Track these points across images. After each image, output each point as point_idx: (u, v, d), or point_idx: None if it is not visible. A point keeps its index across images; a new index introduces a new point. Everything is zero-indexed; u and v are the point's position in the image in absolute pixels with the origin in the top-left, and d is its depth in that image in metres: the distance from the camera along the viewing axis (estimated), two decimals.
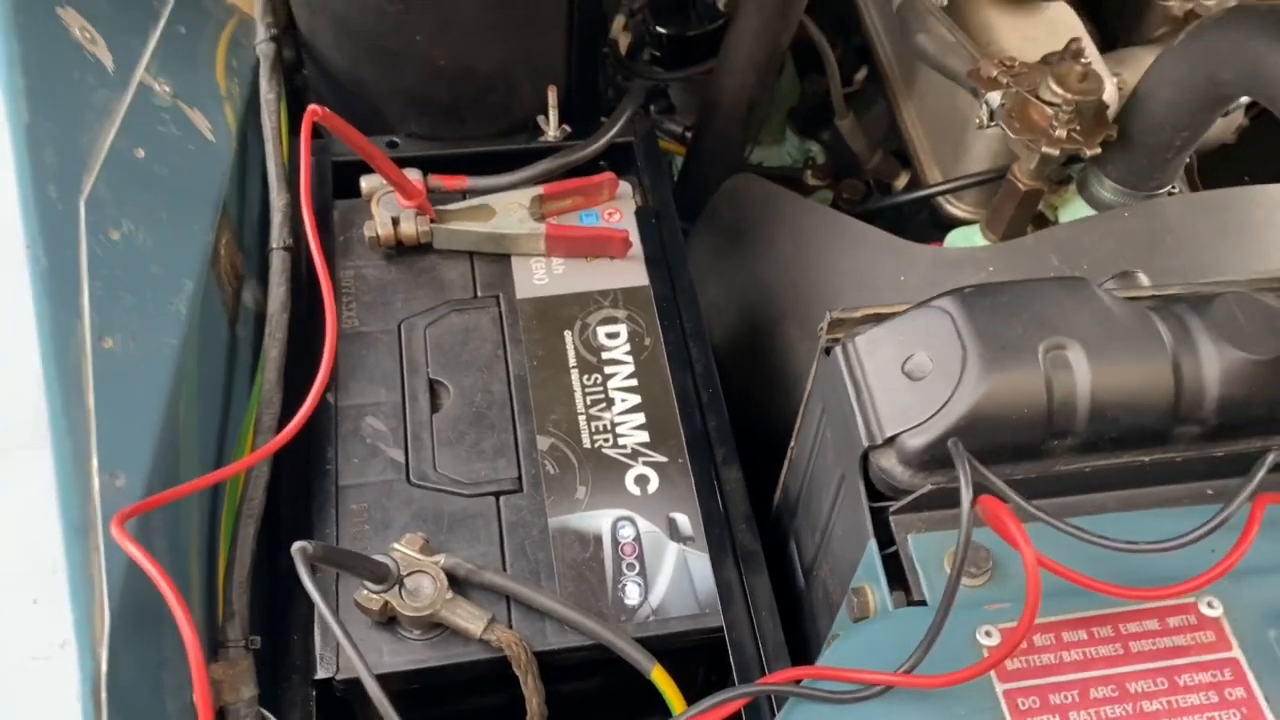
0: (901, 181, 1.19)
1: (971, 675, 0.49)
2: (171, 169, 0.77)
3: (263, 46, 0.92)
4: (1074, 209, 0.97)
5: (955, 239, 1.01)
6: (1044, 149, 0.86)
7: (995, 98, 0.91)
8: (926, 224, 1.11)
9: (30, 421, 0.55)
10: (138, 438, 0.60)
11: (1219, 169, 1.15)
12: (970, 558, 0.55)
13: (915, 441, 0.57)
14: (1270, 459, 0.56)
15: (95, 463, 0.56)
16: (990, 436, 0.56)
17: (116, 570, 0.53)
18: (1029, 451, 0.58)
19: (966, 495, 0.49)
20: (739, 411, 0.90)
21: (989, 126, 0.92)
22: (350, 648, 0.58)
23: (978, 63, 0.92)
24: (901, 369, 0.59)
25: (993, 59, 0.91)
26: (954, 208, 1.07)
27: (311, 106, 0.72)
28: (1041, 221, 0.99)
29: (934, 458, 0.57)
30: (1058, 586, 0.53)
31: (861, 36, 1.24)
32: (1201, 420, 0.58)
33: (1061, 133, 0.85)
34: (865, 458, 0.59)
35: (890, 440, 0.58)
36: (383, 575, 0.66)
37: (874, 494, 0.60)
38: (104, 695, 0.48)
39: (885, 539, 0.58)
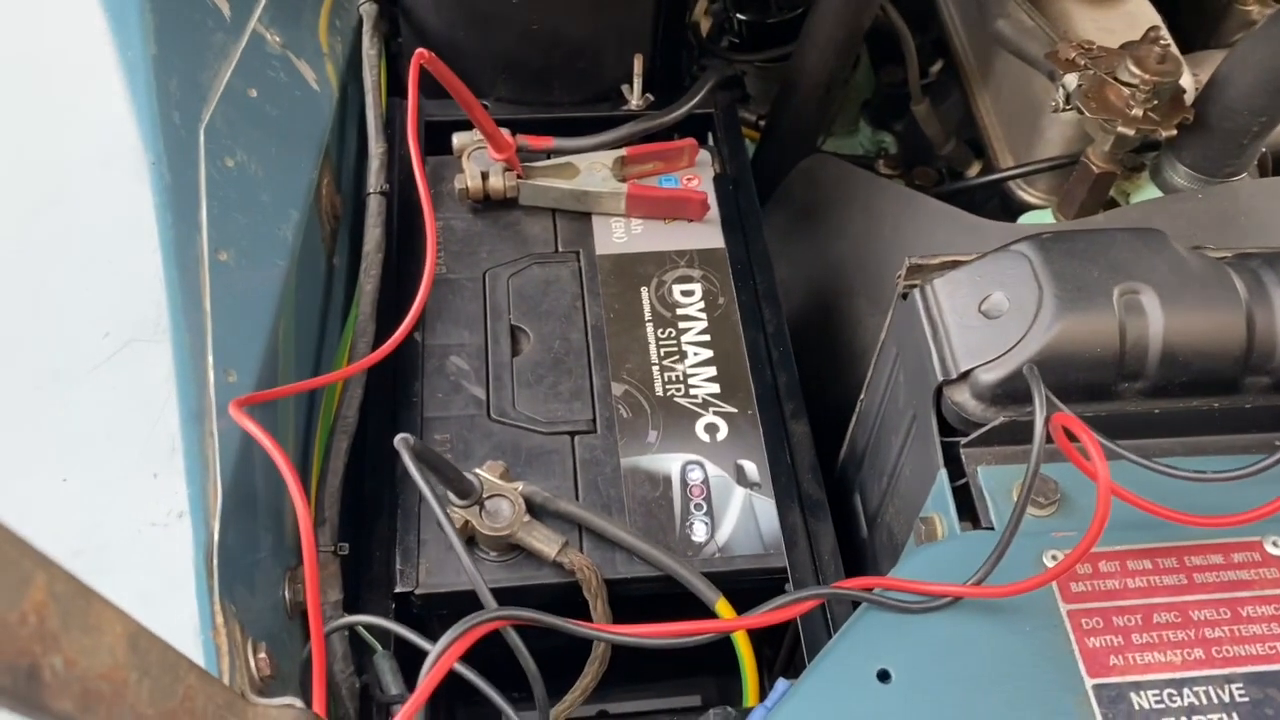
0: (974, 170, 1.21)
1: (1038, 584, 0.51)
2: (280, 110, 0.82)
3: (366, 7, 0.97)
4: (1146, 194, 0.98)
5: (1027, 221, 1.02)
6: (1120, 129, 0.87)
7: (1072, 80, 0.93)
8: (997, 210, 1.13)
9: (153, 317, 0.59)
10: (248, 343, 0.63)
11: None
12: (1039, 488, 0.57)
13: (989, 376, 0.59)
14: None
15: (210, 359, 0.59)
16: (1062, 375, 0.58)
17: (229, 454, 0.56)
18: (1099, 392, 0.59)
19: (1041, 412, 0.51)
20: (804, 390, 0.93)
21: (1065, 109, 0.93)
22: (466, 560, 0.61)
23: (1056, 45, 0.93)
24: (978, 308, 0.61)
25: (1071, 42, 0.93)
26: (1025, 193, 1.08)
27: (419, 50, 0.76)
28: (1112, 206, 1.00)
29: (1006, 392, 0.59)
30: (1124, 519, 0.54)
31: (938, 29, 1.26)
32: (1272, 371, 0.59)
33: (1138, 112, 0.86)
34: (939, 393, 0.61)
35: (965, 375, 0.60)
36: (468, 490, 0.69)
37: (946, 429, 0.61)
38: (215, 561, 0.52)
39: (955, 473, 0.60)
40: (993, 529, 0.57)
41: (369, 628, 0.66)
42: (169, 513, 0.52)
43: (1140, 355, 0.58)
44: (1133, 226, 0.79)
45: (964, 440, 0.60)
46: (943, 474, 0.59)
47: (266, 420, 0.65)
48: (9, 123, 0.68)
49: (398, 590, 0.71)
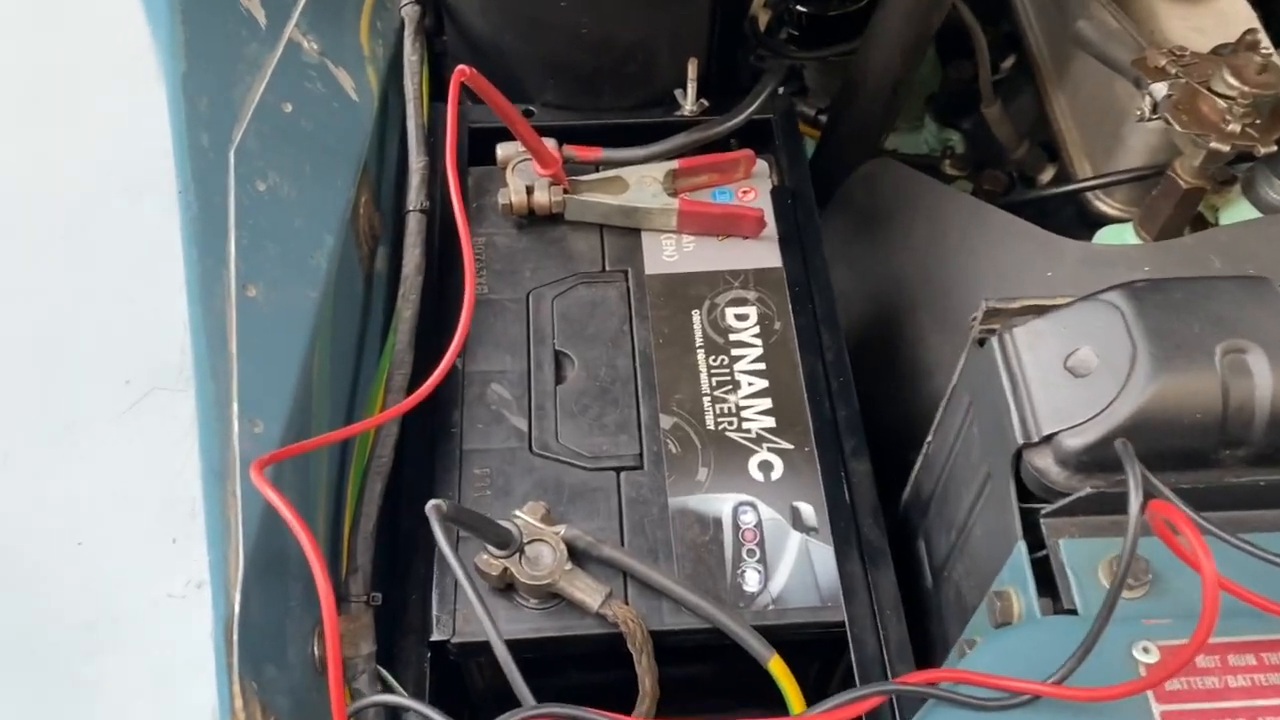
0: (1047, 175, 1.14)
1: (1131, 691, 0.46)
2: (316, 125, 0.78)
3: (408, 9, 0.92)
4: (1237, 211, 0.92)
5: (1106, 236, 0.96)
6: (1213, 144, 0.81)
7: (1161, 89, 0.86)
8: (1072, 220, 1.06)
9: (175, 363, 0.56)
10: (276, 386, 0.60)
11: None
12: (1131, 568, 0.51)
13: (1075, 441, 0.53)
14: None
15: (236, 408, 0.56)
16: (1156, 441, 0.53)
17: (252, 516, 0.53)
18: (1198, 460, 0.54)
19: (1136, 500, 0.46)
20: (861, 404, 0.88)
21: (1151, 119, 0.87)
22: (485, 616, 0.57)
23: (1144, 51, 0.87)
24: (1064, 364, 0.55)
25: (1160, 48, 0.86)
26: (1104, 204, 1.01)
27: (460, 67, 0.72)
28: (1200, 223, 0.93)
29: (1094, 460, 0.53)
30: (1226, 607, 0.49)
31: (1010, 22, 1.19)
32: None
33: (1235, 127, 0.80)
34: (1018, 456, 0.56)
35: (1048, 439, 0.55)
36: (506, 541, 0.65)
37: (1024, 494, 0.56)
38: (235, 636, 0.48)
39: (1034, 542, 0.55)
40: (1075, 612, 0.52)
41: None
42: (187, 583, 0.49)
43: (1245, 420, 0.53)
44: (1229, 254, 0.73)
45: (1045, 510, 0.55)
46: (1021, 547, 0.54)
47: (296, 470, 0.62)
48: (31, 144, 0.65)
49: (433, 639, 0.68)
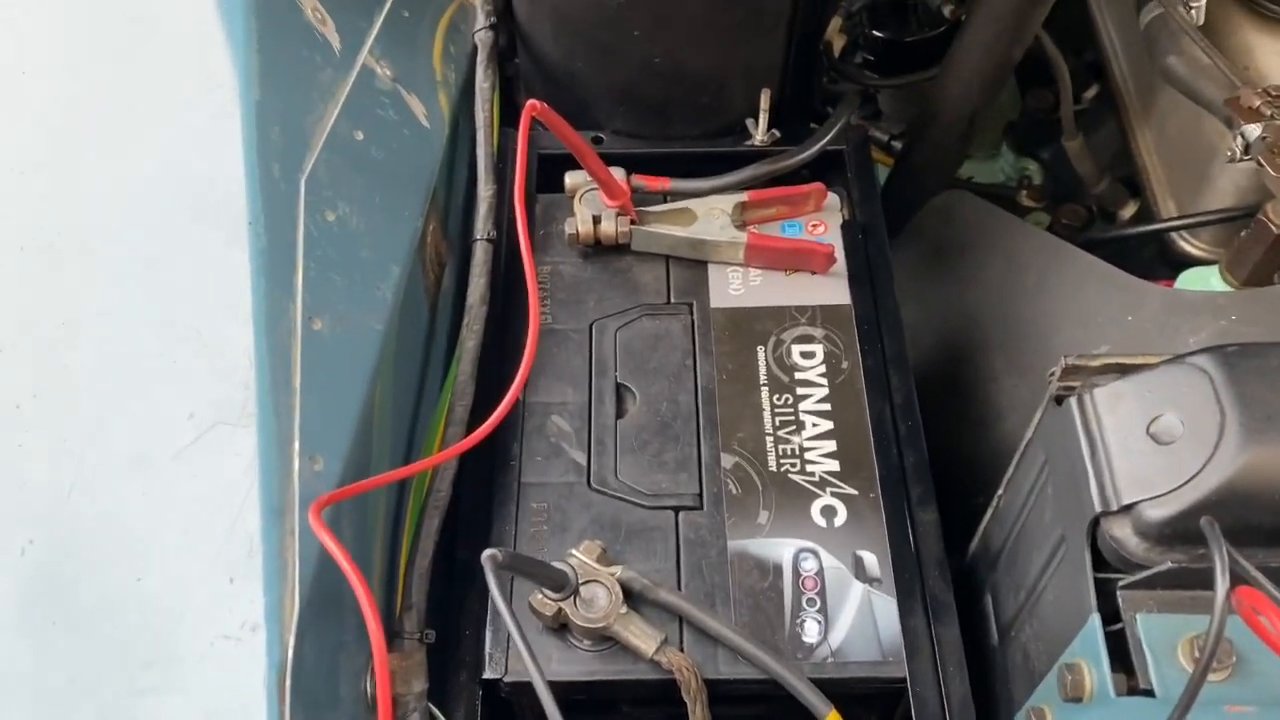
0: (1129, 211, 1.11)
1: None
2: (387, 153, 0.78)
3: (481, 34, 0.92)
4: None
5: (1190, 279, 0.92)
6: None
7: (1254, 130, 0.82)
8: (1154, 260, 1.03)
9: (240, 399, 0.56)
10: (338, 422, 0.60)
11: None
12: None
13: (1157, 513, 0.51)
14: None
15: (297, 445, 0.56)
16: (1244, 516, 0.50)
17: (309, 556, 0.53)
18: None
19: (1223, 585, 0.44)
20: (929, 448, 0.85)
21: (1242, 160, 0.83)
22: (530, 659, 0.56)
23: (1238, 90, 0.83)
24: (1146, 430, 0.53)
25: (1255, 87, 0.83)
26: (1189, 245, 0.98)
27: (531, 101, 0.71)
28: None
29: (1175, 532, 0.51)
30: None
31: (1095, 52, 1.15)
32: None
33: None
34: (1095, 523, 0.54)
35: (1127, 508, 0.52)
36: (561, 583, 0.64)
37: (1099, 563, 0.54)
38: (288, 683, 0.48)
39: (1109, 614, 0.53)
40: (1153, 694, 0.49)
41: None
42: (243, 625, 0.49)
43: None
44: None
45: (1123, 582, 0.52)
46: (1095, 619, 0.52)
47: (355, 505, 0.62)
48: (107, 170, 0.65)
49: (485, 677, 0.67)
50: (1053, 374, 0.60)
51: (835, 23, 1.16)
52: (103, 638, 0.49)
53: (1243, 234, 0.88)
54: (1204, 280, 0.92)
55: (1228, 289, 0.88)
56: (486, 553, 0.54)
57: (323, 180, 0.70)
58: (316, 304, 0.63)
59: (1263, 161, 0.81)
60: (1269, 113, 0.81)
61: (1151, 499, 0.51)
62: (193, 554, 0.51)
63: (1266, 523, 0.51)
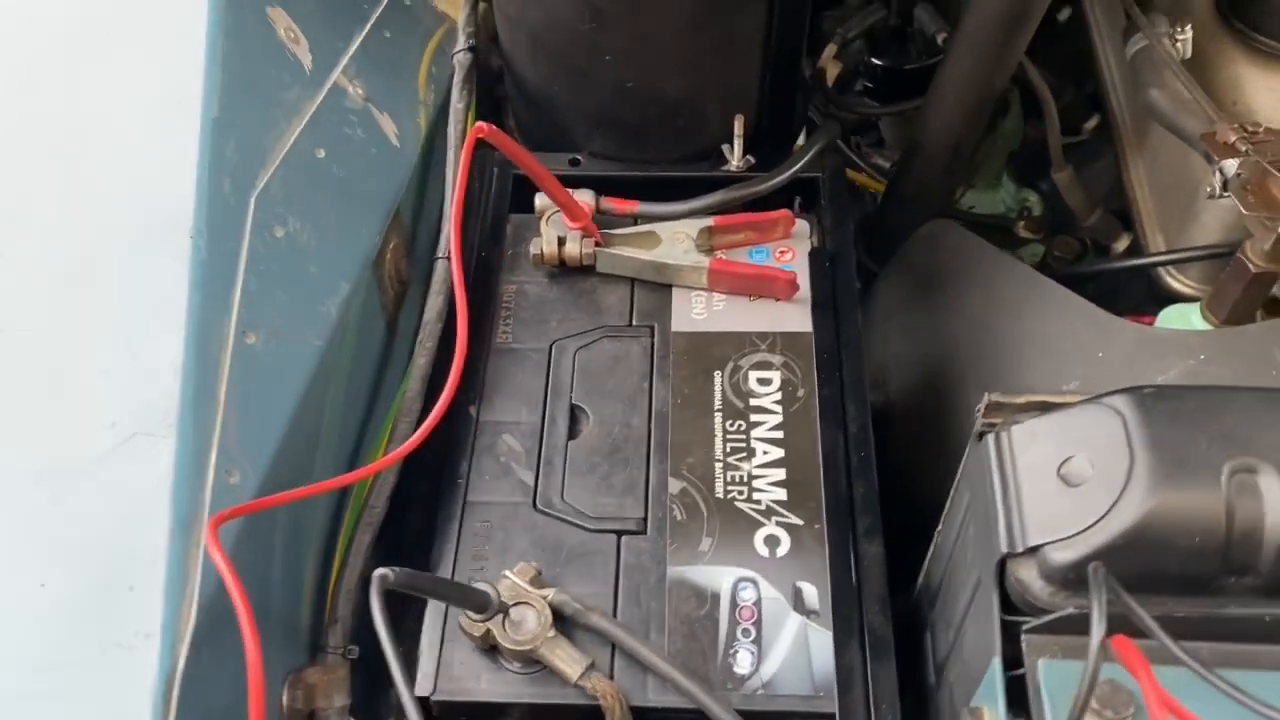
0: (1122, 244, 1.09)
1: None
2: (349, 171, 0.79)
3: (459, 56, 0.93)
4: None
5: (1169, 317, 0.90)
6: None
7: (1231, 165, 0.81)
8: (1143, 295, 1.01)
9: (161, 409, 0.57)
10: (263, 435, 0.61)
11: None
12: (1108, 699, 0.48)
13: (1061, 556, 0.50)
14: None
15: (214, 458, 0.57)
16: (1151, 563, 0.49)
17: (214, 568, 0.53)
18: (1198, 586, 0.50)
19: (1098, 630, 0.43)
20: (901, 474, 0.84)
21: (1221, 196, 0.82)
22: (400, 678, 0.56)
23: (1215, 125, 0.82)
24: (1057, 471, 0.52)
25: (1232, 122, 0.81)
26: (1175, 281, 0.96)
27: (478, 124, 0.72)
28: (1275, 308, 0.87)
29: (1080, 577, 0.50)
30: None
31: (1095, 83, 1.14)
32: None
33: None
34: (1003, 565, 0.53)
35: (1033, 550, 0.51)
36: (481, 604, 0.64)
37: (1009, 605, 0.53)
38: (176, 692, 0.49)
39: (1015, 658, 0.52)
40: None
41: None
42: (135, 633, 0.49)
43: (1252, 547, 0.48)
44: (1261, 386, 0.68)
45: (1026, 626, 0.51)
46: (996, 662, 0.51)
47: (291, 516, 0.62)
48: (61, 175, 0.67)
49: (415, 694, 0.67)
50: (978, 410, 0.59)
51: (831, 50, 1.16)
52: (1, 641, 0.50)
53: (1223, 272, 0.86)
54: (1184, 318, 0.90)
55: (1207, 327, 0.86)
56: (376, 572, 0.55)
57: (275, 196, 0.71)
58: (253, 318, 0.64)
59: (1237, 199, 0.79)
60: (1244, 148, 0.79)
61: (1057, 542, 0.50)
62: (98, 562, 0.52)
63: (1174, 570, 0.49)
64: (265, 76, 0.77)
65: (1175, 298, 0.96)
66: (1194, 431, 0.50)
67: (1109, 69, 1.10)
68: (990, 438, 0.56)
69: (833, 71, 1.20)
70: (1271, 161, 0.77)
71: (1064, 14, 1.19)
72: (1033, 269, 0.94)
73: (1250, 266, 0.82)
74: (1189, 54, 0.91)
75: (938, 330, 1.00)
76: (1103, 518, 0.49)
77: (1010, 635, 0.52)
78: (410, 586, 0.58)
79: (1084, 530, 0.50)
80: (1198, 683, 0.46)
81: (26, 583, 0.52)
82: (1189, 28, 0.91)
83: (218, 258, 0.64)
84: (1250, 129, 0.80)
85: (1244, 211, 0.78)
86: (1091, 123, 1.18)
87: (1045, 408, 0.56)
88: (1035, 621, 0.51)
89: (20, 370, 0.58)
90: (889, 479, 0.77)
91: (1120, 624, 0.48)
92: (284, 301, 0.67)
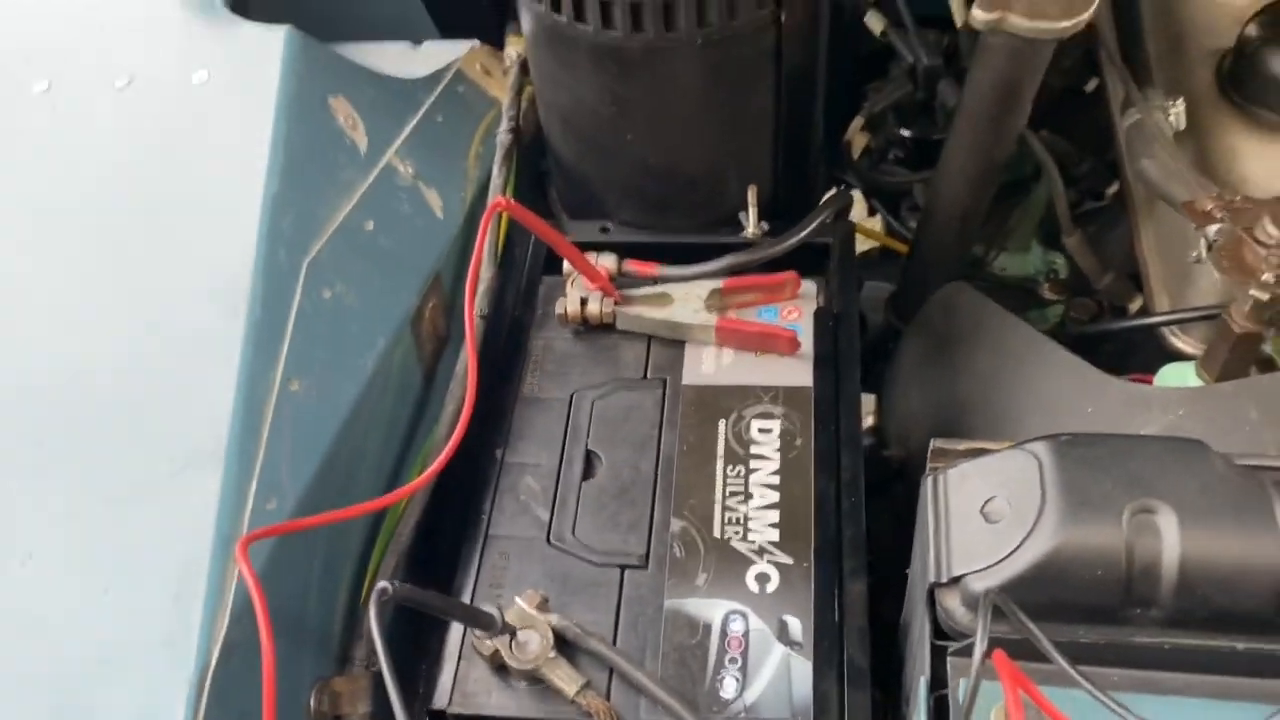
0: (1135, 305, 1.12)
1: None
2: (394, 241, 0.89)
3: (501, 136, 1.04)
4: None
5: (1166, 375, 0.94)
6: (1252, 292, 0.80)
7: (1213, 231, 0.85)
8: (1153, 356, 1.04)
9: (211, 446, 0.66)
10: (298, 469, 0.70)
11: None
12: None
13: (979, 585, 0.56)
14: None
15: (255, 486, 0.66)
16: (1059, 593, 0.54)
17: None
18: (1105, 616, 0.55)
19: (980, 647, 0.48)
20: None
21: (1203, 262, 0.86)
22: (394, 690, 0.63)
23: (1194, 195, 0.86)
24: (981, 509, 0.58)
25: (1211, 192, 0.85)
26: (1178, 340, 0.99)
27: (497, 198, 0.82)
28: (1269, 369, 0.90)
29: (998, 605, 0.55)
30: None
31: (1115, 150, 1.18)
32: None
33: (1270, 277, 0.78)
34: (933, 593, 0.58)
35: (956, 579, 0.57)
36: (487, 624, 0.72)
37: (940, 632, 0.59)
38: (208, 687, 0.57)
39: (943, 680, 0.57)
40: None
41: None
42: (177, 635, 0.58)
43: (1152, 581, 0.53)
44: (1268, 404, 0.71)
45: (950, 649, 0.57)
46: (922, 682, 0.56)
47: (331, 536, 0.71)
48: (138, 243, 0.78)
49: (432, 707, 0.75)
50: (929, 453, 0.65)
51: (858, 123, 1.23)
52: (57, 634, 0.60)
53: (1214, 333, 0.90)
54: (1180, 376, 0.94)
55: (1192, 386, 0.90)
56: (377, 586, 0.63)
57: (325, 263, 0.81)
58: (297, 368, 0.74)
59: (1214, 264, 0.83)
60: (1220, 216, 0.83)
61: (975, 572, 0.56)
62: (152, 574, 0.62)
63: (1080, 600, 0.54)
64: (324, 158, 0.88)
65: (1180, 356, 0.99)
66: (1101, 475, 0.55)
67: (1124, 138, 1.15)
68: (929, 479, 0.62)
69: (861, 142, 1.27)
70: (1245, 229, 0.82)
71: (1091, 85, 1.25)
72: (1034, 329, 0.99)
73: (1234, 327, 0.86)
74: (1183, 125, 0.96)
75: (952, 388, 1.05)
76: (1014, 551, 0.55)
77: (940, 658, 0.58)
78: (410, 600, 0.66)
79: (998, 562, 0.55)
80: (1098, 707, 0.51)
81: (92, 587, 0.61)
82: (1181, 101, 0.95)
83: (270, 318, 0.74)
84: (1227, 197, 0.84)
85: (1216, 275, 0.82)
86: (1113, 189, 1.23)
87: (981, 453, 0.62)
88: (956, 646, 0.56)
89: (98, 409, 0.69)
90: (909, 531, 0.82)
91: (1029, 647, 0.54)
92: (326, 355, 0.76)
